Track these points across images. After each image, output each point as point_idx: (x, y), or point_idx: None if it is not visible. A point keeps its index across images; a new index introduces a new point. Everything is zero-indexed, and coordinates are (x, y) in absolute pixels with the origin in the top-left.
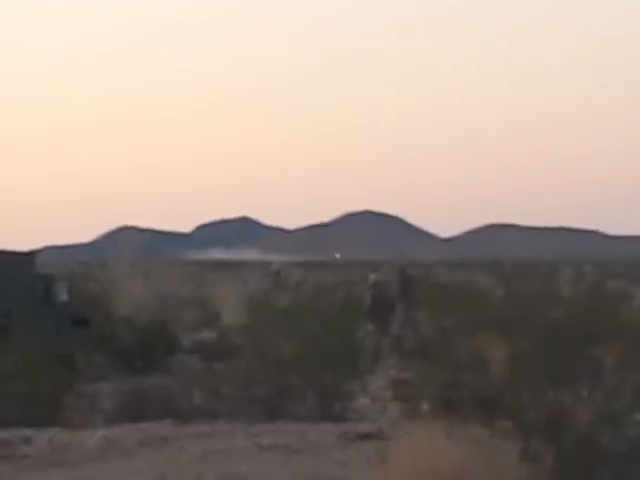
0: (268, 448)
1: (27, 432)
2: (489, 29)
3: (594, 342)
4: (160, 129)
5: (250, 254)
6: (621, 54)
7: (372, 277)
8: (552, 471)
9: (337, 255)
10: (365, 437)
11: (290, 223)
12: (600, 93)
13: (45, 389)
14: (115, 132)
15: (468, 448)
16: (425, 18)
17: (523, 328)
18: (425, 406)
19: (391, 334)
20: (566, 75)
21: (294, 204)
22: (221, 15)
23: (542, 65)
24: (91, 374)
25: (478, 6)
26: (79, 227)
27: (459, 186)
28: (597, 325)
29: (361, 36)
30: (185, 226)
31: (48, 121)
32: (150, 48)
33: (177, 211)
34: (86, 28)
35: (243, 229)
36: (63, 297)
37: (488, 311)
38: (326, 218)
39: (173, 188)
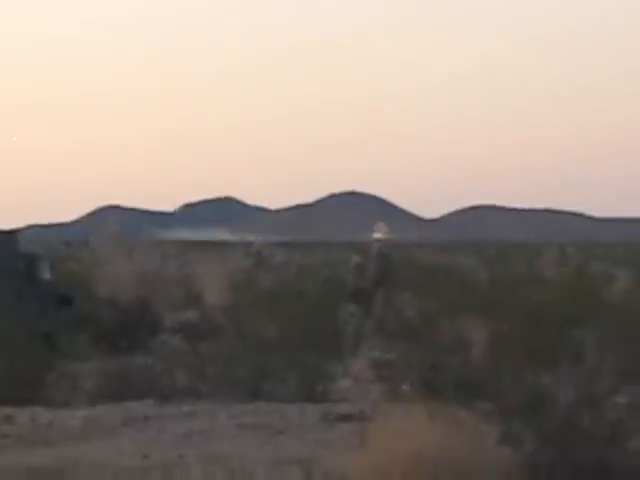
0: (250, 428)
1: (8, 411)
2: (462, 18)
3: (576, 324)
4: (143, 108)
5: (233, 234)
6: (611, 39)
7: (354, 259)
8: (532, 453)
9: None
10: (346, 418)
11: (274, 203)
12: (583, 71)
13: (26, 368)
14: (99, 111)
15: (449, 430)
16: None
17: (505, 311)
18: (406, 388)
19: (373, 316)
20: (545, 52)
21: (278, 184)
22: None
23: (524, 43)
24: (73, 353)
25: None
26: (63, 206)
27: (443, 167)
28: (579, 308)
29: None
30: (169, 205)
31: (33, 98)
32: (130, 28)
33: (161, 191)
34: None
35: (227, 209)
36: (46, 276)
37: (471, 294)
38: (310, 198)
39: (157, 167)
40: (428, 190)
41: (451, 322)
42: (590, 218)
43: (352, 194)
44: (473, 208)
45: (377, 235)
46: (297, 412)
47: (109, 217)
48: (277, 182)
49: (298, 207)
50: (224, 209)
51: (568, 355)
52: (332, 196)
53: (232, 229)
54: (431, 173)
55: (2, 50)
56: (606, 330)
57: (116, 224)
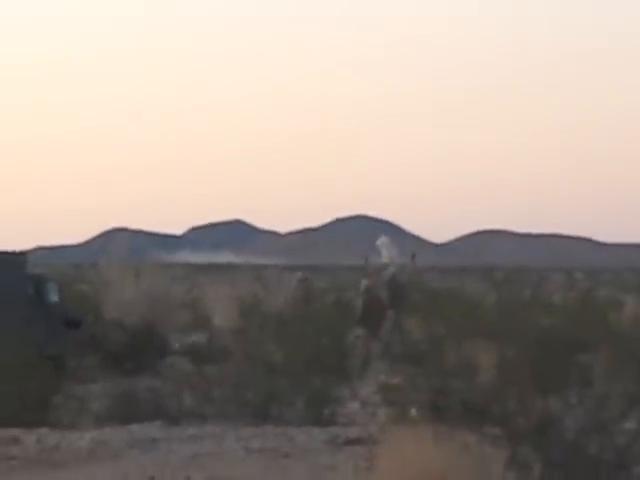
0: (257, 452)
1: (15, 432)
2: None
3: (584, 349)
4: (155, 130)
5: (241, 257)
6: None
7: (364, 282)
8: (540, 478)
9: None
10: (354, 442)
11: (283, 227)
12: (595, 101)
13: (34, 390)
14: (109, 133)
15: (456, 454)
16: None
17: (513, 335)
18: (414, 411)
19: (381, 339)
20: (561, 79)
21: (287, 208)
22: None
23: (539, 70)
24: (81, 375)
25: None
26: (71, 228)
27: (452, 192)
28: (587, 333)
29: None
30: (178, 228)
31: (41, 122)
32: (147, 47)
33: (170, 213)
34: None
35: (235, 232)
36: (54, 298)
37: (478, 318)
38: (319, 222)
39: (166, 190)
40: (436, 214)
41: (458, 346)
42: (598, 243)
43: (360, 218)
44: (481, 232)
45: (383, 252)
46: (304, 436)
47: (118, 239)
48: (286, 205)
49: (306, 231)
50: (233, 232)
51: (576, 380)
52: (340, 220)
53: (240, 252)
54: (439, 197)
55: None
56: (614, 355)
57: (124, 246)
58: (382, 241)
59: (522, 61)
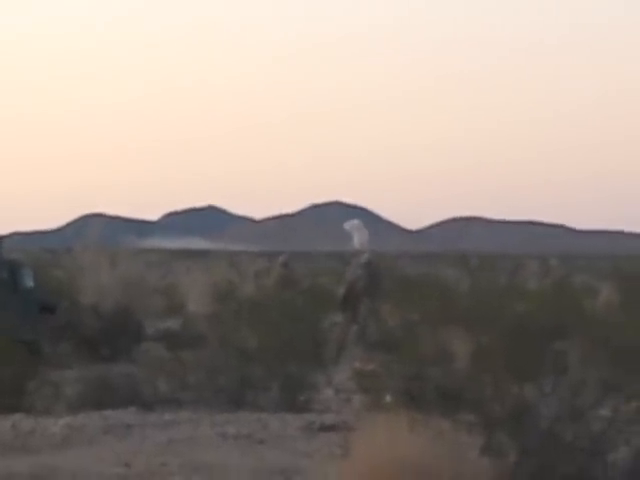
0: (232, 438)
1: None
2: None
3: (559, 337)
4: (129, 116)
5: (216, 243)
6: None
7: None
8: (514, 465)
9: None
10: (328, 428)
11: (257, 213)
12: (569, 91)
13: (9, 375)
14: (84, 118)
15: (430, 441)
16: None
17: (488, 322)
18: (388, 398)
19: (358, 326)
20: (533, 70)
21: (262, 194)
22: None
23: (514, 62)
24: (56, 361)
25: None
26: (46, 214)
27: (427, 178)
28: (562, 320)
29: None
30: (152, 214)
31: (16, 107)
32: (121, 32)
33: (145, 199)
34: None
35: (210, 218)
36: (29, 283)
37: (453, 304)
38: (294, 208)
39: (141, 176)
40: (412, 201)
41: (433, 333)
42: (573, 230)
43: (335, 204)
44: (456, 219)
45: (354, 235)
46: (279, 422)
47: (92, 225)
48: (261, 192)
49: (281, 217)
50: (207, 218)
51: (551, 367)
52: (315, 206)
53: (215, 238)
54: (415, 184)
55: None
56: (589, 342)
57: (97, 231)
58: (352, 224)
59: (496, 52)
